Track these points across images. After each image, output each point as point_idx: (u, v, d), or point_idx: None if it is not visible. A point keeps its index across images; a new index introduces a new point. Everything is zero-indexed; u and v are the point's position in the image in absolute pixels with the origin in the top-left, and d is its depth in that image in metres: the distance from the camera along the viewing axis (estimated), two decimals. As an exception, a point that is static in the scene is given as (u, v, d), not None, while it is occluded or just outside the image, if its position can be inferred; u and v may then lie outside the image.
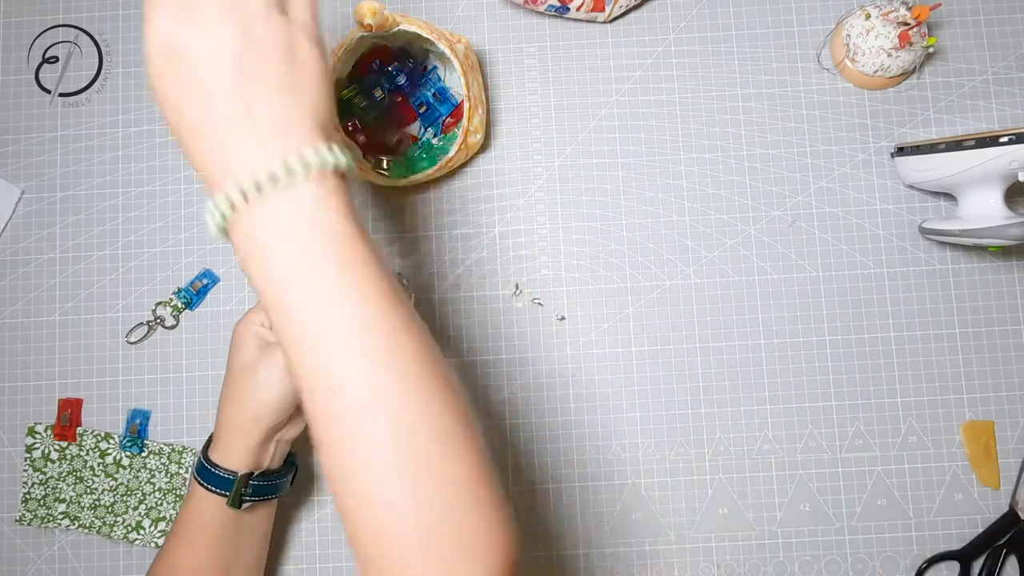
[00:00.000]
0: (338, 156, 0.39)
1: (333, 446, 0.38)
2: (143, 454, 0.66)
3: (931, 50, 0.68)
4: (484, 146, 0.69)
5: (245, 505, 0.55)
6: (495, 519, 0.39)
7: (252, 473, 0.55)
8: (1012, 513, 0.65)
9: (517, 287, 0.68)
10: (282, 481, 0.58)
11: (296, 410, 0.56)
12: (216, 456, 0.55)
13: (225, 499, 0.54)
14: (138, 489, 0.66)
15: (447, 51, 0.62)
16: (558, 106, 0.70)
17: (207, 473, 0.54)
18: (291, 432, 0.58)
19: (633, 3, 0.69)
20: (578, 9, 0.68)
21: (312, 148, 0.39)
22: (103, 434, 0.66)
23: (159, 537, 0.65)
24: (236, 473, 0.54)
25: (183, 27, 0.38)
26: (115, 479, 0.66)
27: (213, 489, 0.54)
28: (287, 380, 0.53)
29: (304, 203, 0.38)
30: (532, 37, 0.71)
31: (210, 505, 0.54)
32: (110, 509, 0.66)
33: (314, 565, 0.65)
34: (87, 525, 0.65)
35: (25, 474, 0.66)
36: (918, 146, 0.65)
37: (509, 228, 0.69)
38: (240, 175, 0.38)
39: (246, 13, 0.39)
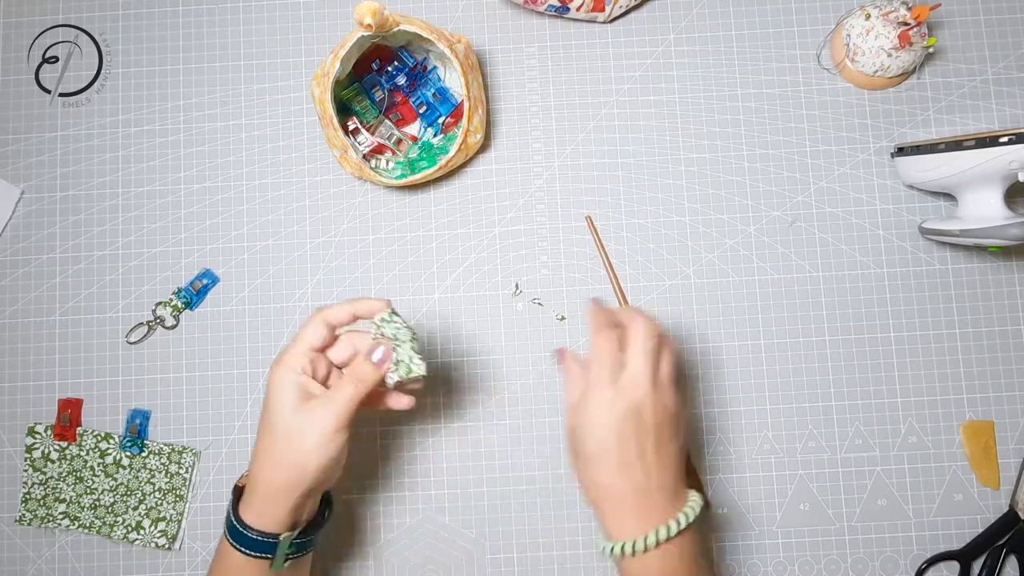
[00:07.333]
0: (696, 510, 0.52)
1: None
2: (143, 454, 0.66)
3: (931, 50, 0.68)
4: (484, 146, 0.69)
5: (286, 564, 0.52)
6: None
7: (293, 533, 0.52)
8: (1012, 513, 0.65)
9: (517, 287, 0.68)
10: (321, 531, 0.55)
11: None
12: (251, 517, 0.51)
13: (262, 560, 0.52)
14: (138, 489, 0.66)
15: (447, 51, 0.62)
16: (558, 106, 0.70)
17: (243, 537, 0.51)
18: (329, 484, 0.54)
19: (633, 3, 0.69)
20: (578, 9, 0.68)
21: (685, 512, 0.51)
22: (103, 434, 0.66)
23: (159, 537, 0.65)
24: (277, 536, 0.51)
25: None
26: (115, 479, 0.66)
27: (250, 553, 0.51)
28: (332, 444, 0.50)
29: (671, 556, 0.51)
30: (532, 37, 0.71)
31: (248, 565, 0.52)
32: (110, 509, 0.66)
33: None
34: (87, 525, 0.65)
35: (25, 474, 0.66)
36: (918, 146, 0.65)
37: (509, 228, 0.69)
38: (638, 536, 0.50)
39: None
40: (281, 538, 0.51)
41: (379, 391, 0.55)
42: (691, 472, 0.65)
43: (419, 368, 0.53)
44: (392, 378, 0.53)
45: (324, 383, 0.53)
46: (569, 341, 0.68)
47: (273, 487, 0.51)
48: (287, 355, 0.52)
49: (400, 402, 0.56)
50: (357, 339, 0.55)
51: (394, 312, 0.54)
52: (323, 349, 0.54)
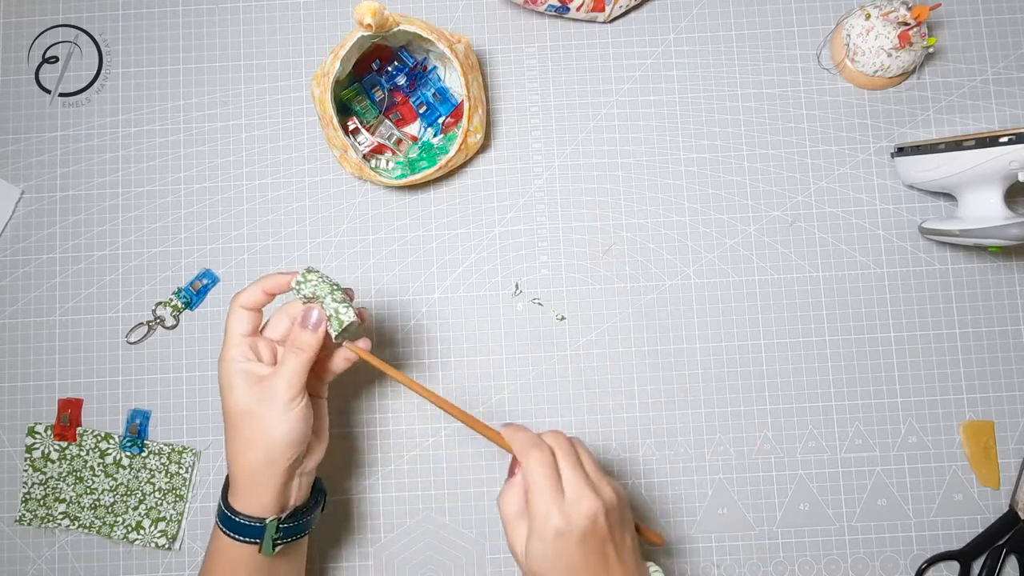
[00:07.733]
0: None
1: None
2: (143, 454, 0.66)
3: (931, 50, 0.68)
4: (484, 146, 0.69)
5: (277, 549, 0.52)
6: None
7: (281, 517, 0.52)
8: (1012, 513, 0.65)
9: (517, 287, 0.68)
10: (312, 517, 0.55)
11: (313, 438, 0.53)
12: (238, 503, 0.51)
13: (254, 546, 0.51)
14: (138, 489, 0.66)
15: (447, 51, 0.62)
16: (558, 106, 0.70)
17: (231, 523, 0.51)
18: (312, 462, 0.54)
19: (633, 3, 0.69)
20: (578, 9, 0.68)
21: None
22: (103, 434, 0.66)
23: (159, 537, 0.65)
24: (263, 520, 0.51)
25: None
26: (115, 479, 0.66)
27: (240, 539, 0.51)
28: (292, 413, 0.51)
29: None
30: (532, 37, 0.71)
31: (239, 552, 0.52)
32: (110, 509, 0.66)
33: None
34: (87, 525, 0.65)
35: (25, 474, 0.66)
36: (918, 146, 0.65)
37: (509, 228, 0.69)
38: None
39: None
40: (267, 522, 0.51)
41: (328, 355, 0.55)
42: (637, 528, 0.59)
43: (346, 316, 0.52)
44: (334, 334, 0.53)
45: (273, 364, 0.54)
46: (569, 341, 0.68)
47: (250, 471, 0.51)
48: (224, 350, 0.53)
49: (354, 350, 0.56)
50: (292, 309, 0.55)
51: (309, 270, 0.53)
52: (257, 332, 0.54)
